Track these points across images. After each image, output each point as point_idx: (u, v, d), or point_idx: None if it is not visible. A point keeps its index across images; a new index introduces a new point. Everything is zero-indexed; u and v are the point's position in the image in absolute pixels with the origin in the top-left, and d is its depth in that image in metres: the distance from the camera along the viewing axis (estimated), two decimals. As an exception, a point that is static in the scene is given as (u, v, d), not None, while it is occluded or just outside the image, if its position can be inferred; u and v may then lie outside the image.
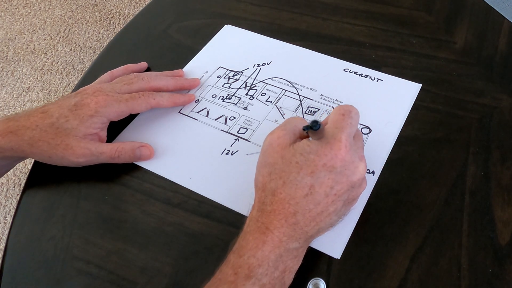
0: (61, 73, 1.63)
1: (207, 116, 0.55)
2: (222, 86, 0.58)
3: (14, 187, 1.34)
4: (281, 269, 0.37)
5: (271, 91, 0.57)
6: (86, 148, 0.47)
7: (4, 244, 0.58)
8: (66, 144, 0.47)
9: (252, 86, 0.58)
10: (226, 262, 0.38)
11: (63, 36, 1.76)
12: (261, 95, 0.56)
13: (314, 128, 0.37)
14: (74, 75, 1.62)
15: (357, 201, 0.43)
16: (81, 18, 1.82)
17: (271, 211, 0.38)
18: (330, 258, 0.43)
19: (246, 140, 0.52)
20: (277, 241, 0.37)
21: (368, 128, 0.52)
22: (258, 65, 0.60)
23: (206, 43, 0.64)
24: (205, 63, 0.61)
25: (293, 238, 0.38)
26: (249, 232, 0.38)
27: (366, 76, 0.57)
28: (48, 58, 1.68)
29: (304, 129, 0.39)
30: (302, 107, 0.55)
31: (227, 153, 0.51)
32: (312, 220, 0.38)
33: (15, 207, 0.59)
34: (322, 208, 0.38)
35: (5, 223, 1.27)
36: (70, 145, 0.47)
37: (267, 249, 0.37)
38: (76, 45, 1.72)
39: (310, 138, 0.40)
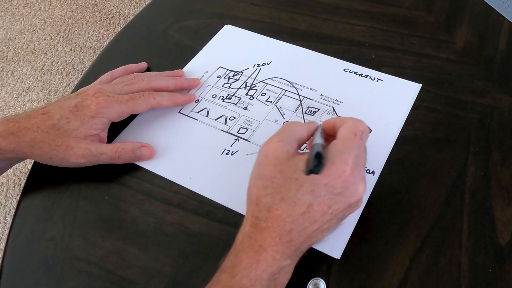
0: (61, 73, 1.63)
1: (207, 116, 0.55)
2: (222, 86, 0.58)
3: (14, 187, 1.34)
4: (272, 286, 0.36)
5: (271, 91, 0.57)
6: (87, 149, 0.47)
7: (4, 244, 0.58)
8: (66, 145, 0.47)
9: (252, 86, 0.58)
10: (216, 282, 0.36)
11: (63, 36, 1.76)
12: (261, 95, 0.56)
13: (315, 172, 0.37)
14: (74, 75, 1.62)
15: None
16: (81, 18, 1.82)
17: (266, 228, 0.36)
18: (330, 258, 0.43)
19: (246, 140, 0.52)
20: (271, 260, 0.36)
21: (368, 128, 0.52)
22: (258, 65, 0.60)
23: (206, 43, 0.64)
24: (205, 63, 0.61)
25: (285, 256, 0.37)
26: (242, 250, 0.36)
27: (366, 76, 0.57)
28: (48, 58, 1.68)
29: (306, 174, 0.37)
30: (302, 107, 0.55)
31: (227, 153, 0.51)
32: (307, 238, 0.37)
33: (15, 207, 0.59)
34: (317, 226, 0.37)
35: (5, 223, 1.27)
36: (70, 146, 0.47)
37: (261, 269, 0.36)
38: (76, 45, 1.72)
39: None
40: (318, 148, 0.38)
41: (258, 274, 0.35)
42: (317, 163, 0.37)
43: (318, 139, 0.40)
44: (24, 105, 1.55)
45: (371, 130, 0.52)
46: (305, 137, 0.42)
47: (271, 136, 0.40)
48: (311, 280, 0.41)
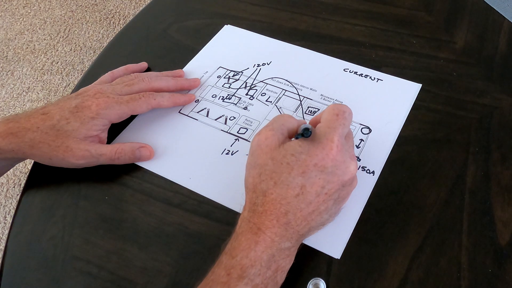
0: (61, 73, 1.63)
1: (207, 116, 0.55)
2: (222, 86, 0.58)
3: (14, 187, 1.34)
4: (273, 268, 0.37)
5: (271, 91, 0.57)
6: (86, 150, 0.47)
7: (4, 244, 0.57)
8: (66, 146, 0.47)
9: (252, 86, 0.58)
10: (218, 263, 0.38)
11: (63, 36, 1.76)
12: (261, 95, 0.56)
13: (305, 136, 0.38)
14: (74, 75, 1.62)
15: (348, 199, 0.43)
16: (81, 18, 1.82)
17: (263, 212, 0.38)
18: (330, 258, 0.43)
19: (246, 140, 0.52)
20: (269, 241, 0.37)
21: (368, 128, 0.52)
22: (258, 65, 0.60)
23: (206, 43, 0.64)
24: (205, 63, 0.61)
25: (284, 238, 0.38)
26: (241, 233, 0.38)
27: (366, 76, 0.57)
28: (48, 58, 1.68)
29: (296, 137, 0.39)
30: (302, 107, 0.55)
31: (227, 153, 0.51)
32: (304, 220, 0.38)
33: (15, 207, 0.59)
34: (313, 208, 0.38)
35: (5, 223, 1.27)
36: (70, 147, 0.47)
37: (260, 249, 0.37)
38: (76, 45, 1.72)
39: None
40: (306, 125, 0.40)
41: (257, 255, 0.37)
42: (307, 130, 0.38)
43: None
44: (24, 105, 1.55)
45: (371, 130, 0.52)
46: (295, 127, 0.43)
47: (262, 127, 0.41)
48: (311, 280, 0.41)
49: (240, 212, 0.46)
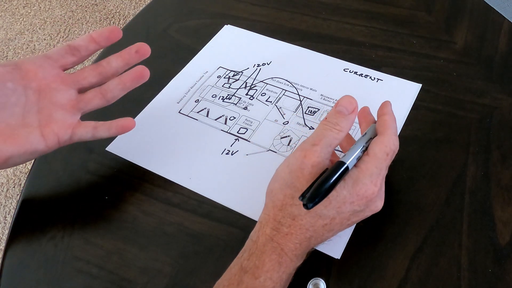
0: (61, 73, 1.63)
1: (207, 116, 0.55)
2: (222, 86, 0.58)
3: (14, 187, 1.34)
4: (285, 285, 0.39)
5: (271, 91, 0.57)
6: None
7: (4, 244, 0.57)
8: None
9: (252, 86, 0.58)
10: (238, 282, 0.37)
11: (63, 36, 1.76)
12: (261, 95, 0.56)
13: (306, 207, 0.35)
14: (74, 75, 1.62)
15: None
16: (81, 18, 1.82)
17: (288, 233, 0.38)
18: (330, 258, 0.43)
19: (246, 140, 0.52)
20: (289, 262, 0.38)
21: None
22: (258, 65, 0.60)
23: (206, 43, 0.64)
24: (205, 63, 0.61)
25: (300, 257, 0.39)
26: (265, 253, 0.38)
27: (366, 76, 0.57)
28: (48, 58, 1.68)
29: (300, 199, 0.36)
30: (302, 107, 0.55)
31: (227, 153, 0.51)
32: (320, 242, 0.40)
33: (15, 207, 0.59)
34: (332, 233, 0.40)
35: (5, 223, 1.27)
36: None
37: (282, 270, 0.37)
38: (76, 45, 1.72)
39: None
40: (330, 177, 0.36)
41: (279, 275, 0.37)
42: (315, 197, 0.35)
43: (350, 158, 0.38)
44: (24, 105, 1.54)
45: None
46: (337, 144, 0.41)
47: (310, 143, 0.39)
48: (311, 280, 0.41)
49: (240, 212, 0.46)
